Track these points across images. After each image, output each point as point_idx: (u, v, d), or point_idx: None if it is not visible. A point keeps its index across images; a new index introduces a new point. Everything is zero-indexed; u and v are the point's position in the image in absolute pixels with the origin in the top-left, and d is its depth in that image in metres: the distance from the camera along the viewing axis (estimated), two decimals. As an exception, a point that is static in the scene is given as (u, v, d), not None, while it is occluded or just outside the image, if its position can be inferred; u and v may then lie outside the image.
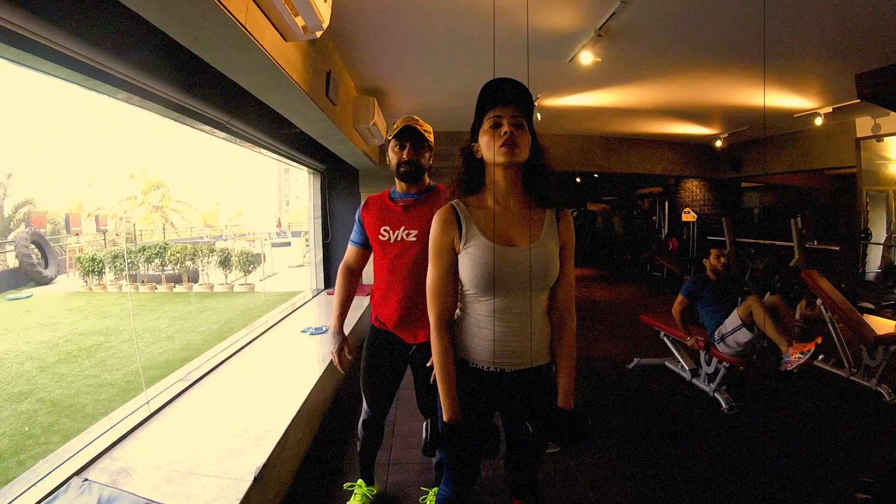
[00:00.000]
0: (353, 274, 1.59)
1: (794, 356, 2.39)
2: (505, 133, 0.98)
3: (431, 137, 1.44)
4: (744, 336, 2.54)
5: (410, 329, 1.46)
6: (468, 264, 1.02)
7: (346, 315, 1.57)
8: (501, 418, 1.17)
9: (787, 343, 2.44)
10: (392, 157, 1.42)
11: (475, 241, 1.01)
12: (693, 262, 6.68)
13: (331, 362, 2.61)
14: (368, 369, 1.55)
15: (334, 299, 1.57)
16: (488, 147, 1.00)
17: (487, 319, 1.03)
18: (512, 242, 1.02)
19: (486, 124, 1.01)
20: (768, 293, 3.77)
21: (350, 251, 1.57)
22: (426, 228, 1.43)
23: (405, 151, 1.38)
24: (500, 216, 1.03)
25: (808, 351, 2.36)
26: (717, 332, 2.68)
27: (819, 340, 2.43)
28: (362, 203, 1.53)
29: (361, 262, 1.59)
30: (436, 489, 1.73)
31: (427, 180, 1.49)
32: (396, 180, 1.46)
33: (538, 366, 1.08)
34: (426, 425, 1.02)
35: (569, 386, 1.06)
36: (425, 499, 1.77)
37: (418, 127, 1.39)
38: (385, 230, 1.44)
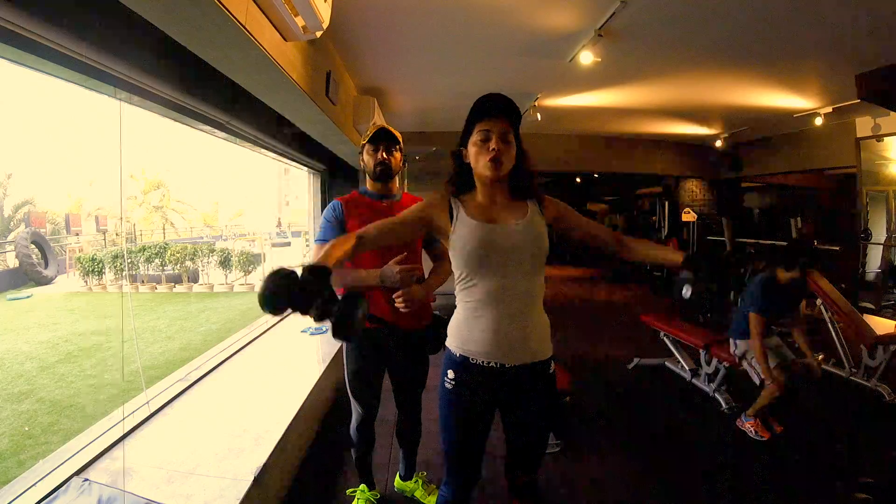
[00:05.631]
0: None
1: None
2: (493, 150, 1.03)
3: (401, 141, 1.55)
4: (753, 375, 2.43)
5: (413, 317, 1.49)
6: (459, 243, 1.06)
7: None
8: (501, 417, 1.17)
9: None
10: (368, 159, 1.52)
11: (464, 222, 1.08)
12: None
13: (332, 360, 2.62)
14: (359, 373, 1.54)
15: (350, 274, 1.41)
16: (476, 158, 1.06)
17: (484, 305, 1.05)
18: (499, 222, 1.08)
19: (476, 136, 1.06)
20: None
21: None
22: None
23: (380, 153, 1.50)
24: (488, 206, 1.11)
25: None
26: (739, 347, 2.47)
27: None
28: (335, 206, 1.49)
29: None
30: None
31: (395, 187, 1.58)
32: (370, 181, 1.56)
33: (538, 361, 1.09)
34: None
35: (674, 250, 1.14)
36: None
37: (391, 130, 1.51)
38: None
